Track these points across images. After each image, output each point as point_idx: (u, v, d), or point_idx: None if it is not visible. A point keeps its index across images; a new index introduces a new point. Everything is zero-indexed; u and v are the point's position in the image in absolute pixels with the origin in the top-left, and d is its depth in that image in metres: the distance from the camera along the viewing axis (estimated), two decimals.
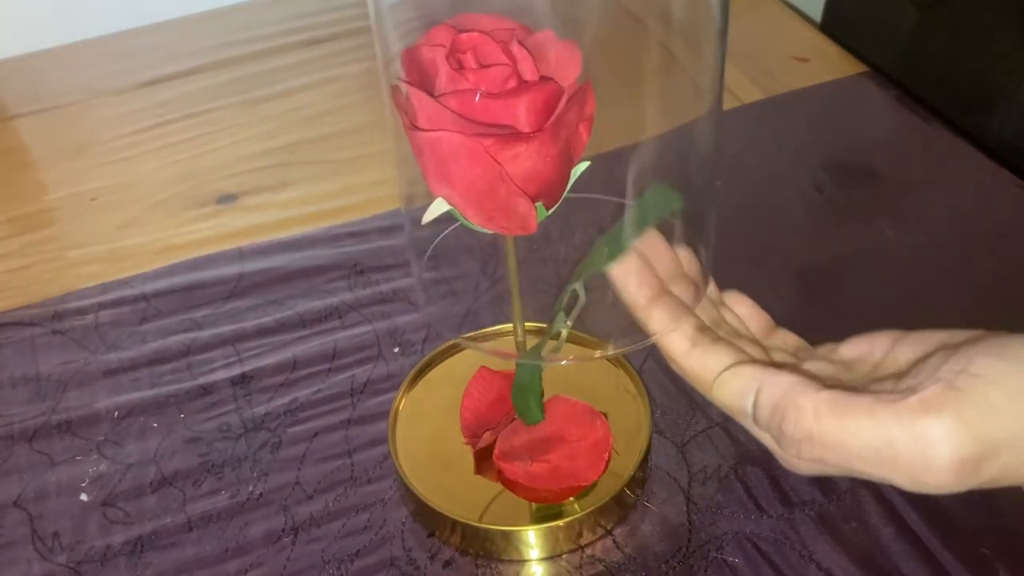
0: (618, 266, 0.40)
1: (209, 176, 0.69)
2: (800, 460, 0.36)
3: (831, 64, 0.75)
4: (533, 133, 0.34)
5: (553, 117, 0.34)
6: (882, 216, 0.61)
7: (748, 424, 0.38)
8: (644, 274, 0.40)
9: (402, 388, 0.51)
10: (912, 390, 0.34)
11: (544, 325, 0.44)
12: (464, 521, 0.45)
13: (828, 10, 0.92)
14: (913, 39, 0.83)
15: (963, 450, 0.32)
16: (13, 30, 0.85)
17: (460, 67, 0.34)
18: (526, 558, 0.45)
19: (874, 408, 0.34)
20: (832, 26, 0.90)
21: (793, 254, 0.60)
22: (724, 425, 0.50)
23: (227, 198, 0.67)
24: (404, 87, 0.34)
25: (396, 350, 0.55)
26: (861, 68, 0.74)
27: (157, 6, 0.86)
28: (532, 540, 0.45)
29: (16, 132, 0.76)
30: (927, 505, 0.46)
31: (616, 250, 0.41)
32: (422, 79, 0.35)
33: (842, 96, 0.72)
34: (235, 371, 0.55)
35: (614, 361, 0.49)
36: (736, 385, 0.38)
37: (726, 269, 0.59)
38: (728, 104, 0.71)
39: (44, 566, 0.46)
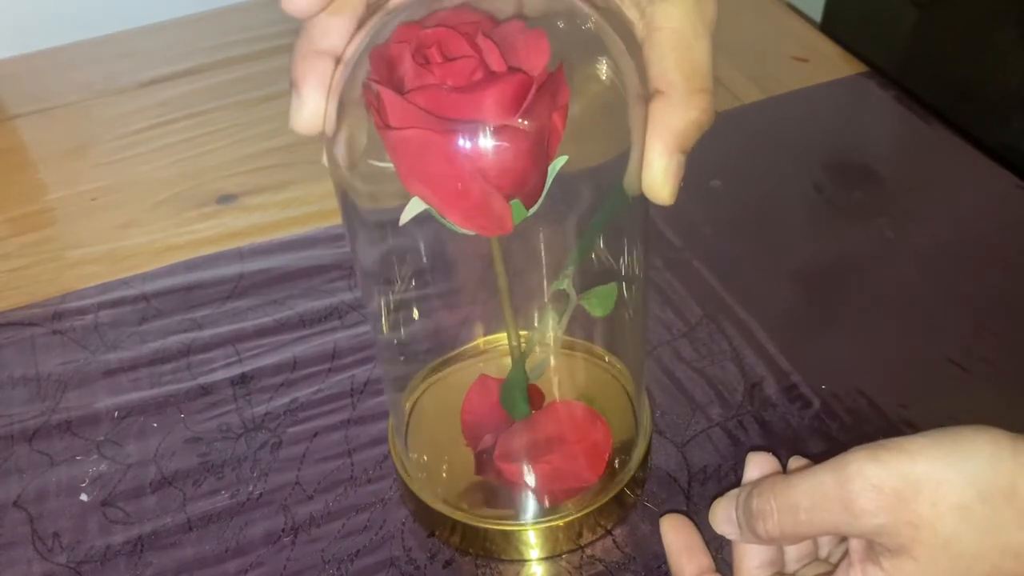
0: (673, 534, 0.44)
1: (209, 176, 0.69)
2: None
3: (831, 64, 0.75)
4: (504, 126, 0.33)
5: (523, 108, 0.33)
6: (882, 216, 0.61)
7: None
8: (695, 549, 0.43)
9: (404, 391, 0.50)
10: None
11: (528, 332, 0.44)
12: (464, 521, 0.45)
13: (828, 10, 0.93)
14: (913, 39, 0.83)
15: (879, 476, 0.34)
16: (13, 30, 0.85)
17: (426, 62, 0.33)
18: (526, 558, 0.45)
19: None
20: (832, 26, 0.90)
21: (793, 254, 0.60)
22: (724, 425, 0.50)
23: (227, 198, 0.67)
24: (374, 86, 0.34)
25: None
26: (861, 68, 0.74)
27: (157, 6, 0.85)
28: (532, 540, 0.45)
29: (16, 132, 0.76)
30: None
31: (587, 246, 0.41)
32: (391, 77, 0.34)
33: (842, 96, 0.72)
34: (235, 371, 0.55)
35: (614, 361, 0.49)
36: None
37: (727, 269, 0.59)
38: (728, 104, 0.71)
39: (44, 566, 0.46)
